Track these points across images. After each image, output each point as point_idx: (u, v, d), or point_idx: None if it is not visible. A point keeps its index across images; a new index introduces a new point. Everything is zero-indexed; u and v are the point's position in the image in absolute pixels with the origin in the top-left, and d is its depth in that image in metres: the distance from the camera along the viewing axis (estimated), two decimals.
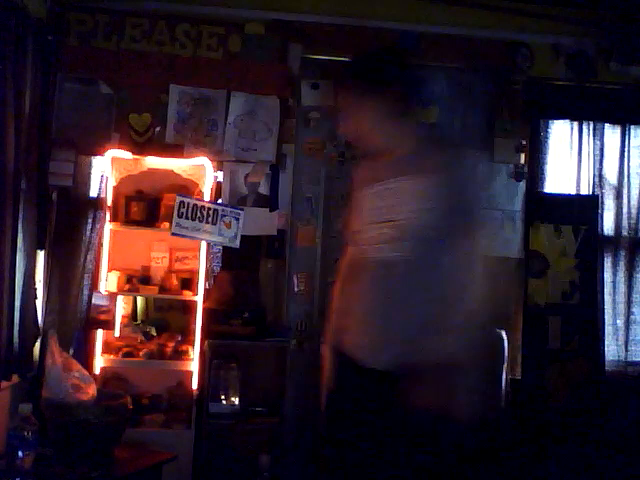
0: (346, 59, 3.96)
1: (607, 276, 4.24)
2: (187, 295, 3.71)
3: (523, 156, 4.15)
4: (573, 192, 4.27)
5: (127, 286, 3.68)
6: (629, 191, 4.30)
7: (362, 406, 2.15)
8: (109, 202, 3.70)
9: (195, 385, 3.65)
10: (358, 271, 2.18)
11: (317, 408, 2.39)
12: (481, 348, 2.10)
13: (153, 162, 3.79)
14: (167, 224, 3.63)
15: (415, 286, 2.07)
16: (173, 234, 3.61)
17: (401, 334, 2.07)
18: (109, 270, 3.69)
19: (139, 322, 3.91)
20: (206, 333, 3.68)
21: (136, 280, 3.71)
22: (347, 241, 2.29)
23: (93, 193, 3.80)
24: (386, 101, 2.15)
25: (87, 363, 3.48)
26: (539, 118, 4.23)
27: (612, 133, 4.31)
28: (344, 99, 2.22)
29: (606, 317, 4.21)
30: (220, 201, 3.84)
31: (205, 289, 3.72)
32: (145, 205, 3.69)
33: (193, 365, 3.65)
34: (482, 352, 2.11)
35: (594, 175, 4.26)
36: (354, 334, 2.16)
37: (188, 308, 3.81)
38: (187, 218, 3.60)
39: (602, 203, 4.26)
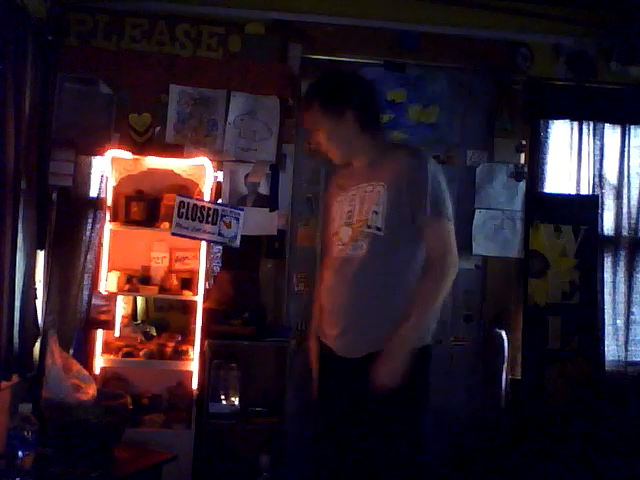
0: (346, 59, 3.99)
1: (607, 276, 4.24)
2: (187, 295, 3.71)
3: (523, 156, 4.15)
4: (573, 192, 4.27)
5: (127, 286, 3.68)
6: (629, 191, 4.30)
7: (340, 390, 2.42)
8: (109, 202, 3.69)
9: (195, 385, 3.65)
10: (331, 268, 2.48)
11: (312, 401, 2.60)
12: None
13: (153, 162, 3.79)
14: (167, 224, 3.63)
15: (368, 281, 2.34)
16: (173, 234, 3.61)
17: (356, 326, 2.36)
18: (109, 270, 3.69)
19: (139, 322, 3.91)
20: (206, 333, 3.68)
21: (136, 280, 3.71)
22: (328, 242, 2.57)
23: (93, 193, 3.80)
24: (347, 120, 2.41)
25: (87, 363, 3.47)
26: (539, 118, 4.23)
27: (612, 133, 4.31)
28: (309, 118, 2.47)
29: (606, 317, 4.20)
30: (220, 201, 3.84)
31: (205, 289, 3.71)
32: (145, 205, 3.69)
33: (193, 365, 3.65)
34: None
35: (594, 175, 4.26)
36: (326, 326, 2.47)
37: (188, 308, 3.81)
38: (187, 218, 3.60)
39: (602, 203, 4.26)
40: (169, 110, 3.83)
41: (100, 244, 3.69)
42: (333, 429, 2.46)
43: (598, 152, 4.27)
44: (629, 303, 4.27)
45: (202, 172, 3.77)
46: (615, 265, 4.27)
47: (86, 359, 3.54)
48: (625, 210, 4.29)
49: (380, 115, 2.62)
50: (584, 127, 4.27)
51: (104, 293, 3.67)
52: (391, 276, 2.34)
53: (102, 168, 3.75)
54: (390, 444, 2.31)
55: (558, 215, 4.17)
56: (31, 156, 3.43)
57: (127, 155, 3.73)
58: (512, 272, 4.17)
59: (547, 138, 4.25)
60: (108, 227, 3.68)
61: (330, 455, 2.48)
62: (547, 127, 4.26)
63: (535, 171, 4.22)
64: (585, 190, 4.27)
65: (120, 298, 3.81)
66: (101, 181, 3.75)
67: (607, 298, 4.22)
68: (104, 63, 3.79)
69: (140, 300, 3.93)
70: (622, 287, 4.27)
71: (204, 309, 3.67)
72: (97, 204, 3.74)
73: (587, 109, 4.24)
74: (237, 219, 3.71)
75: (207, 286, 3.78)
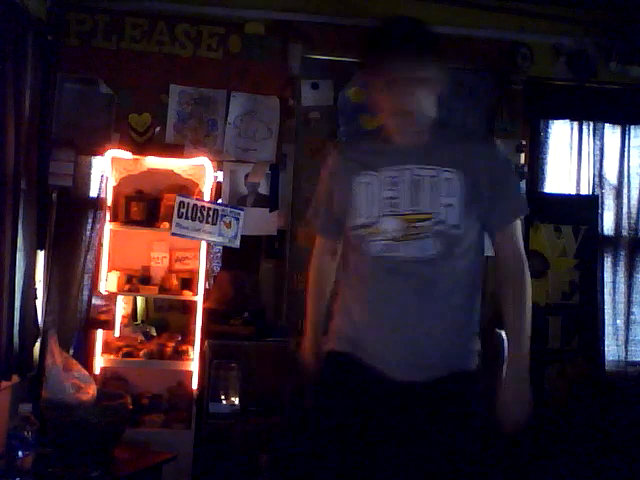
0: (346, 59, 3.98)
1: (607, 276, 4.24)
2: (187, 295, 3.71)
3: (523, 156, 4.15)
4: (573, 192, 4.28)
5: (127, 286, 3.68)
6: (629, 191, 4.30)
7: (400, 426, 1.94)
8: (109, 202, 3.69)
9: (195, 385, 3.65)
10: (372, 270, 1.96)
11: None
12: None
13: (153, 162, 3.79)
14: (167, 224, 3.63)
15: (445, 289, 1.93)
16: (173, 234, 3.61)
17: (440, 342, 1.92)
18: (109, 270, 3.69)
19: (139, 322, 3.92)
20: (206, 333, 3.68)
21: (136, 280, 3.71)
22: (341, 233, 2.08)
23: (93, 193, 3.80)
24: (444, 81, 1.96)
25: (87, 363, 3.47)
26: (539, 118, 4.23)
27: (612, 133, 4.31)
28: (402, 66, 1.89)
29: (606, 317, 4.21)
30: (220, 201, 3.84)
31: (205, 289, 3.72)
32: (145, 205, 3.69)
33: (193, 365, 3.65)
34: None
35: (594, 175, 4.26)
36: (374, 342, 1.95)
37: (188, 308, 3.81)
38: (187, 218, 3.60)
39: (602, 203, 4.26)
40: (169, 110, 3.83)
41: (100, 244, 3.69)
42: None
43: (598, 152, 4.27)
44: (629, 303, 4.27)
45: (202, 172, 3.77)
46: (615, 265, 4.27)
47: (86, 359, 3.54)
48: (625, 210, 4.29)
49: None
50: (584, 127, 4.27)
51: (104, 293, 3.67)
52: (469, 285, 1.97)
53: (102, 168, 3.75)
54: None
55: (558, 215, 4.17)
56: (31, 156, 3.43)
57: (127, 155, 3.72)
58: None
59: (547, 138, 4.25)
60: (108, 227, 3.68)
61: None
62: (547, 127, 4.26)
63: (535, 171, 4.22)
64: (585, 190, 4.27)
65: (120, 298, 3.81)
66: (101, 181, 3.74)
67: (607, 298, 4.22)
68: (104, 63, 3.79)
69: (140, 300, 3.93)
70: (622, 287, 4.27)
71: (204, 309, 3.67)
72: (97, 204, 3.74)
73: (587, 109, 4.24)
74: (237, 219, 3.71)
75: (207, 286, 3.78)
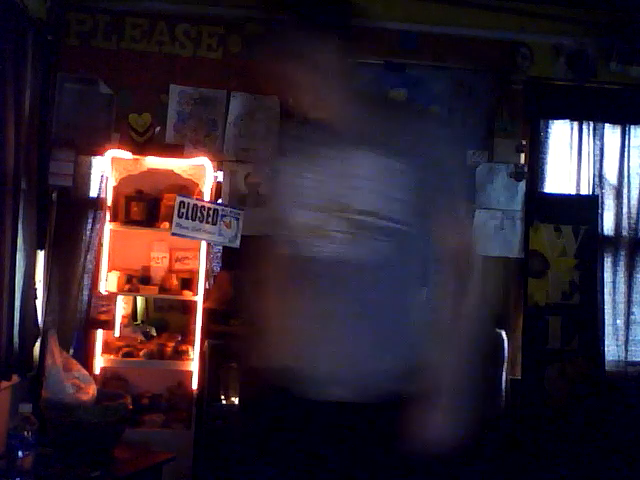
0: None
1: (607, 276, 4.23)
2: (187, 295, 3.71)
3: (523, 156, 4.15)
4: (573, 192, 4.27)
5: (127, 286, 3.68)
6: (629, 191, 4.30)
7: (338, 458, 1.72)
8: (109, 202, 3.69)
9: (195, 385, 3.65)
10: (306, 275, 1.69)
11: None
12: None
13: (153, 162, 3.79)
14: (167, 224, 3.63)
15: (390, 294, 1.67)
16: (173, 234, 3.60)
17: (377, 357, 1.66)
18: (109, 270, 3.69)
19: (139, 322, 3.92)
20: (206, 333, 3.68)
21: (136, 280, 3.71)
22: (273, 233, 1.81)
23: (93, 193, 3.81)
24: (337, 50, 1.85)
25: (87, 363, 3.47)
26: (539, 118, 4.23)
27: (612, 133, 4.30)
28: (291, 57, 1.81)
29: (606, 317, 4.20)
30: (220, 201, 3.84)
31: (205, 289, 3.72)
32: (145, 205, 3.69)
33: (193, 365, 3.65)
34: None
35: (594, 175, 4.26)
36: (313, 358, 1.68)
37: (188, 308, 3.81)
38: (187, 218, 3.60)
39: (602, 203, 4.26)
40: (169, 110, 3.84)
41: (100, 244, 3.69)
42: None
43: (598, 152, 4.26)
44: (629, 303, 4.27)
45: (202, 172, 3.77)
46: (615, 265, 4.27)
47: (86, 359, 3.54)
48: (625, 210, 4.28)
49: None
50: (584, 127, 4.27)
51: (104, 293, 3.67)
52: (415, 289, 1.72)
53: (102, 168, 3.75)
54: None
55: (558, 215, 4.17)
56: (31, 156, 3.43)
57: (127, 155, 3.73)
58: (512, 272, 4.17)
59: (547, 138, 4.25)
60: (108, 227, 3.68)
61: None
62: (547, 127, 4.26)
63: (535, 171, 4.22)
64: (585, 190, 4.26)
65: (120, 298, 3.81)
66: (101, 181, 3.75)
67: (607, 298, 4.22)
68: (104, 63, 3.80)
69: (140, 300, 3.93)
70: (622, 287, 4.27)
71: (204, 309, 3.67)
72: (97, 204, 3.74)
73: (587, 109, 4.24)
74: (237, 219, 3.71)
75: (207, 286, 3.78)
